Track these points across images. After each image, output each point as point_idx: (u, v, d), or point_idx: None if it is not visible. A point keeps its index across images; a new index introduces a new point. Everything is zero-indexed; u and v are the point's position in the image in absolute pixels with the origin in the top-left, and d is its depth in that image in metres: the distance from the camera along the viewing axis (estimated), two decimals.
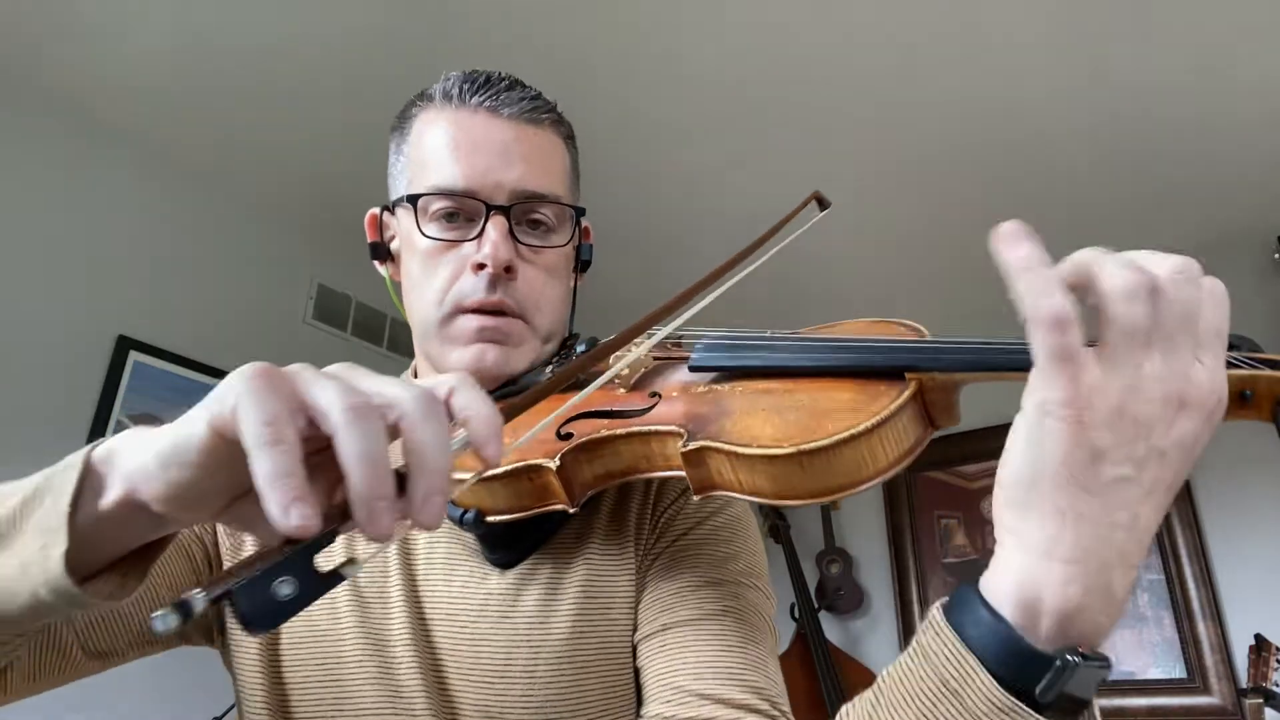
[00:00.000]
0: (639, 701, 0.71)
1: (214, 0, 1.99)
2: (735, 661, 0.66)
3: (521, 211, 0.75)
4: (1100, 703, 0.46)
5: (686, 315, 0.63)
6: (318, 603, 0.68)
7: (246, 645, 0.71)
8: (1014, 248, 0.42)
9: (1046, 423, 0.42)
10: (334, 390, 0.39)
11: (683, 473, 0.58)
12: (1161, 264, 0.42)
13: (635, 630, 0.72)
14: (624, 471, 0.63)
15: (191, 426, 0.40)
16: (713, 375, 0.65)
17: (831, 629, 3.25)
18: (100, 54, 2.15)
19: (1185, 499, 2.71)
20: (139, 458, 0.42)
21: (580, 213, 0.80)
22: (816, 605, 3.22)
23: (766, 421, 0.56)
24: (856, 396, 0.54)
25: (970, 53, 2.11)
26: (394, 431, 0.40)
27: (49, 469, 0.46)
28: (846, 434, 0.51)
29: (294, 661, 0.70)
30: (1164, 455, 0.42)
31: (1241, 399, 0.45)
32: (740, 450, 0.54)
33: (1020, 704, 0.42)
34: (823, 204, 0.78)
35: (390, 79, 2.23)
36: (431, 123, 0.77)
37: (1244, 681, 2.39)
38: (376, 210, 0.84)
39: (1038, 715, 0.42)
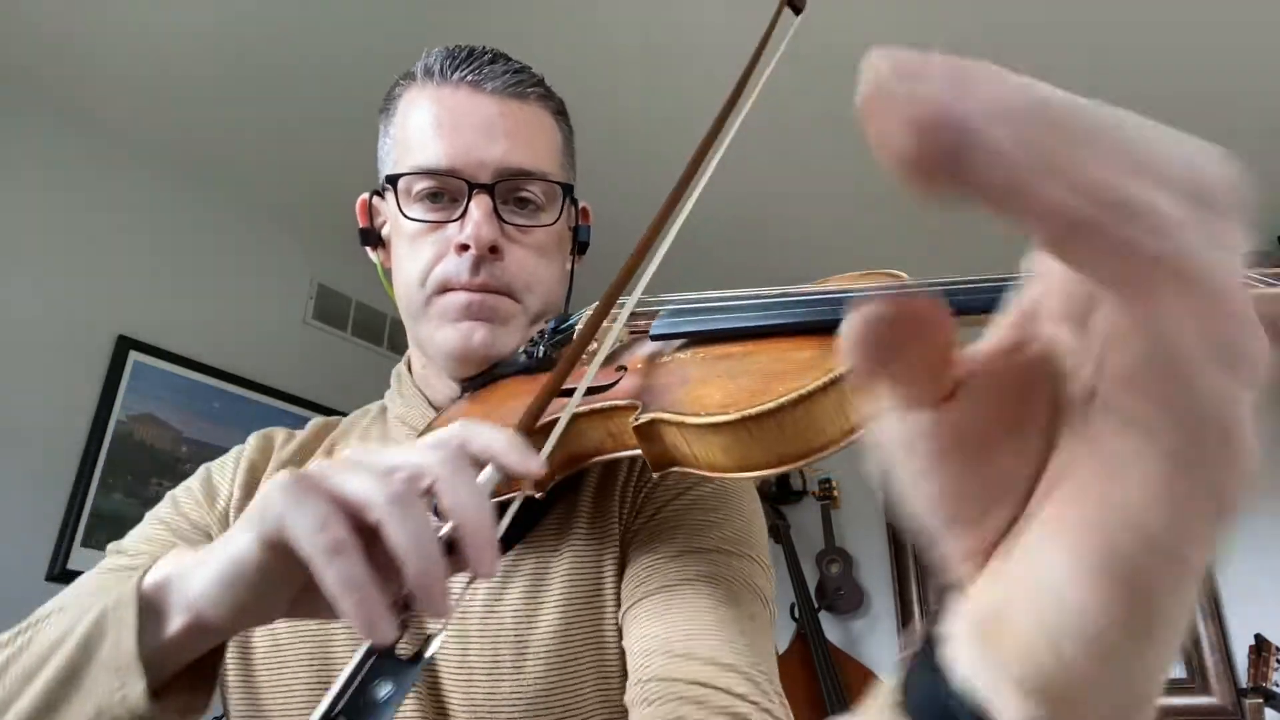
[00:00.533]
0: None
1: (218, 2, 1.99)
2: (709, 624, 0.60)
3: (507, 190, 0.72)
4: None
5: (678, 221, 0.58)
6: None
7: (245, 677, 0.69)
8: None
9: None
10: (368, 480, 0.40)
11: (637, 452, 0.54)
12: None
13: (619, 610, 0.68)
14: (590, 453, 0.59)
15: (243, 548, 0.42)
16: (677, 343, 0.59)
17: (831, 629, 3.25)
18: (99, 52, 2.15)
19: None
20: (197, 584, 0.44)
21: (569, 189, 0.77)
22: (816, 605, 3.22)
23: (718, 388, 0.50)
24: (815, 354, 0.48)
25: (972, 55, 2.11)
26: (427, 494, 0.40)
27: (90, 606, 0.47)
28: (794, 395, 0.45)
29: (276, 663, 0.68)
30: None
31: None
32: (688, 420, 0.49)
33: None
34: (795, 5, 0.66)
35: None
36: (414, 102, 0.75)
37: (1244, 681, 2.39)
38: (366, 195, 0.81)
39: None
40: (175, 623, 0.44)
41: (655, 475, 0.54)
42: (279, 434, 0.81)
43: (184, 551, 0.47)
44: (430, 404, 0.77)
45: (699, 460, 0.51)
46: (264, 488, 0.42)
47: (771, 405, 0.46)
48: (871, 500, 3.35)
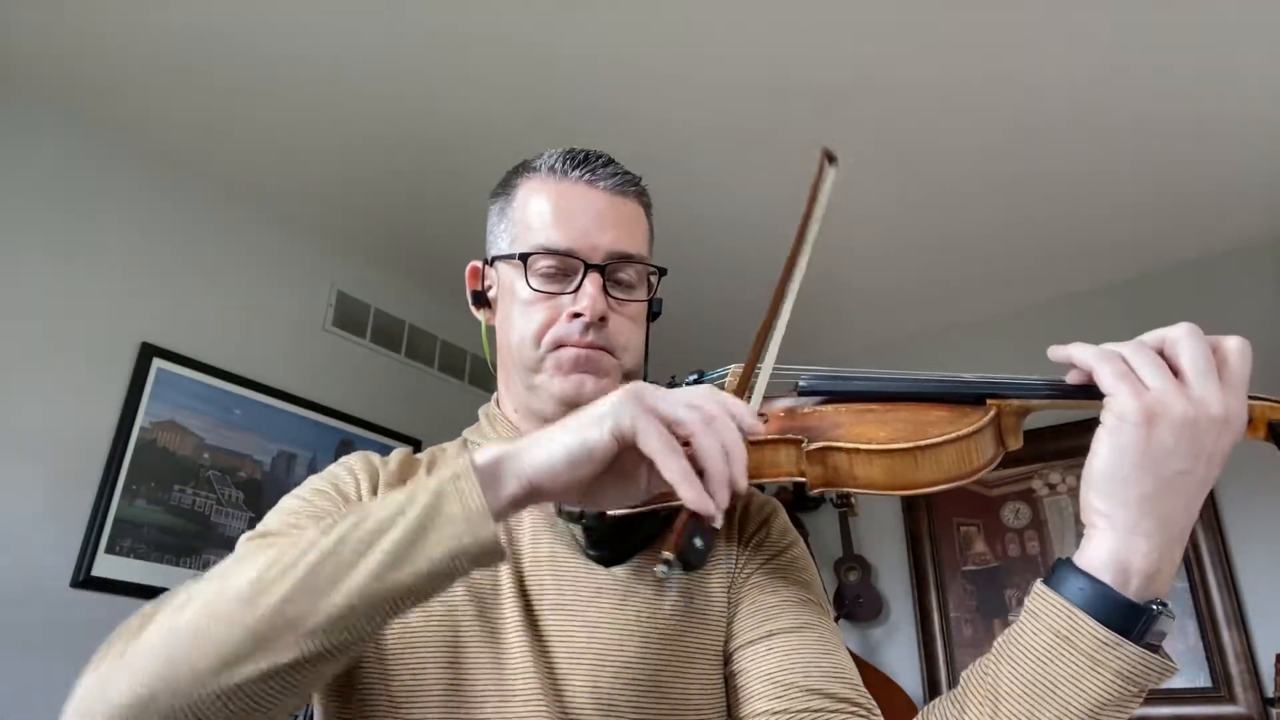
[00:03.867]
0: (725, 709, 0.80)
1: (235, 6, 2.02)
2: (836, 662, 0.78)
3: (612, 270, 0.87)
4: None
5: (779, 334, 0.75)
6: (439, 597, 0.71)
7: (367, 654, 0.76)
8: (1061, 351, 0.63)
9: (1124, 428, 0.58)
10: (683, 408, 0.60)
11: (797, 478, 0.70)
12: (1171, 330, 0.60)
13: (730, 639, 0.82)
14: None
15: (597, 436, 0.59)
16: (817, 400, 0.77)
17: (850, 637, 3.23)
18: (122, 58, 2.18)
19: (1209, 505, 2.67)
20: (538, 460, 0.60)
21: (662, 272, 0.93)
22: (835, 613, 3.20)
23: (877, 429, 0.68)
24: (948, 415, 0.67)
25: (978, 61, 2.10)
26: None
27: (424, 486, 0.60)
28: (954, 435, 0.64)
29: (407, 645, 0.76)
30: (1211, 457, 0.58)
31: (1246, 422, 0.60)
32: (862, 447, 0.66)
33: (1124, 638, 0.57)
34: (832, 159, 0.84)
35: (414, 89, 2.25)
36: (535, 191, 0.90)
37: (1270, 690, 2.35)
38: (478, 263, 0.96)
39: (1136, 645, 0.57)
40: (510, 487, 0.60)
41: (815, 492, 0.70)
42: (374, 456, 0.92)
43: (500, 442, 0.65)
44: None
45: (857, 480, 0.67)
46: (599, 402, 0.61)
47: (939, 440, 0.64)
48: (890, 507, 3.34)
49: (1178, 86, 2.17)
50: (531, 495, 0.60)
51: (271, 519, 0.81)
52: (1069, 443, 2.80)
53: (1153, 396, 0.57)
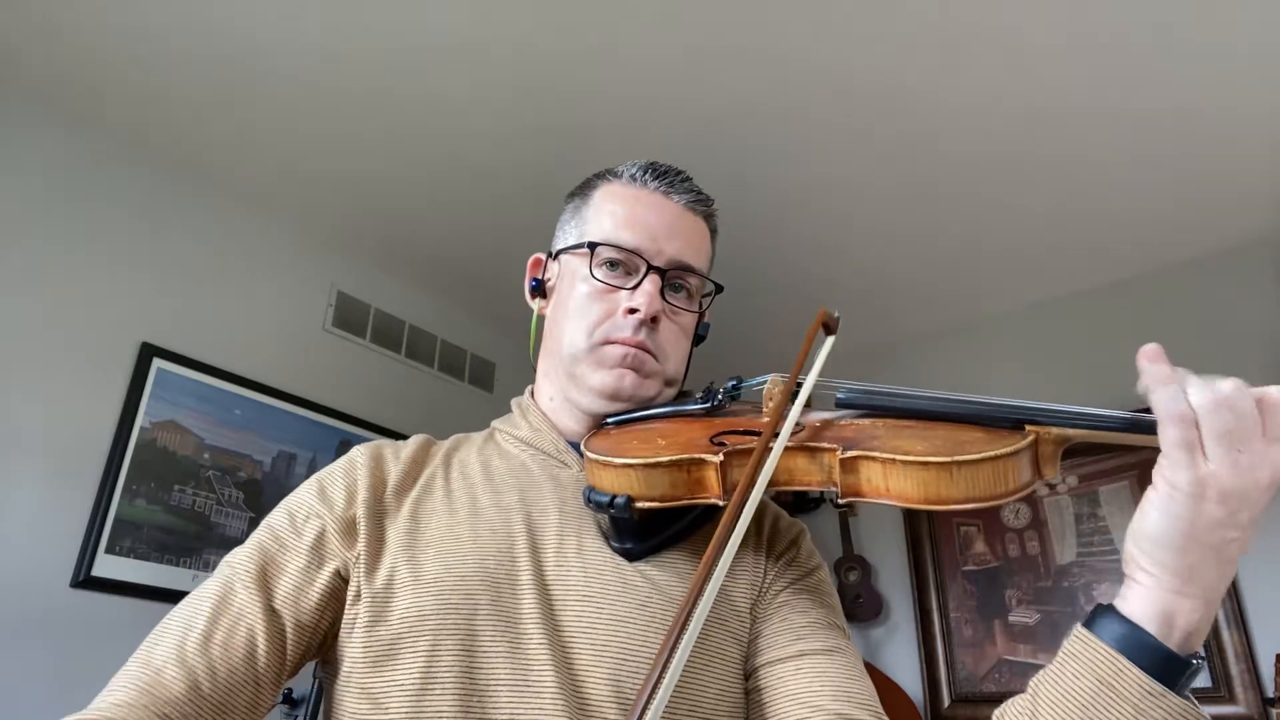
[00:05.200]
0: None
1: (234, 6, 2.02)
2: (862, 688, 0.78)
3: (673, 275, 0.90)
4: None
5: (772, 462, 0.71)
6: (453, 585, 0.77)
7: (373, 635, 0.76)
8: (1155, 364, 0.56)
9: (1176, 498, 0.56)
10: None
11: (829, 487, 0.70)
12: (1223, 385, 0.55)
13: (755, 654, 0.82)
14: (770, 481, 0.71)
15: None
16: (856, 413, 0.77)
17: (850, 637, 3.23)
18: (123, 60, 2.18)
19: None
20: None
21: (719, 289, 0.95)
22: None
23: (915, 442, 0.67)
24: (985, 437, 0.66)
25: (982, 60, 2.10)
26: None
27: None
28: (992, 453, 0.62)
29: (422, 632, 0.74)
30: (1255, 519, 0.57)
31: None
32: (898, 458, 0.65)
33: (1168, 689, 0.56)
34: (829, 329, 0.85)
35: (413, 87, 2.25)
36: (613, 195, 0.93)
37: (1270, 690, 2.35)
38: (541, 255, 1.00)
39: (1179, 695, 0.56)
40: None
41: (842, 502, 0.70)
42: (386, 447, 0.91)
43: None
44: (559, 433, 0.91)
45: (888, 491, 0.66)
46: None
47: (977, 456, 0.62)
48: (890, 508, 3.33)
49: (1179, 86, 2.16)
50: None
51: (252, 538, 0.81)
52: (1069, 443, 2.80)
53: (1209, 471, 0.55)
